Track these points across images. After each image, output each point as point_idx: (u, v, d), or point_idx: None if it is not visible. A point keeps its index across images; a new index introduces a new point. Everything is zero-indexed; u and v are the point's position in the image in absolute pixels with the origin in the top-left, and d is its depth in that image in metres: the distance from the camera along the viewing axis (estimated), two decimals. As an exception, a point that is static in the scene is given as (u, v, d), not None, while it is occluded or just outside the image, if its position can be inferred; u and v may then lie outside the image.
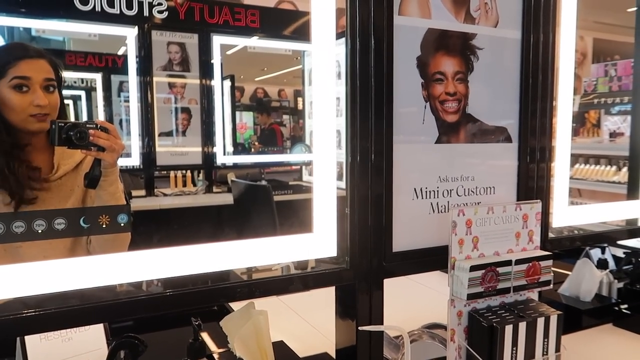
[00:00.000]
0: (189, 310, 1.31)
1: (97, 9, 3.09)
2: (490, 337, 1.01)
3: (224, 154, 3.77)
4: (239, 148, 4.90)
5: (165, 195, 3.39)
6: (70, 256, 1.11)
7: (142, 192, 3.37)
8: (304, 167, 4.31)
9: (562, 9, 1.29)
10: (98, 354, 0.98)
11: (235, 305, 1.19)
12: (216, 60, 3.65)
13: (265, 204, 2.60)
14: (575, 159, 4.36)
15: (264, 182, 3.53)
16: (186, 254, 0.88)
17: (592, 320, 1.51)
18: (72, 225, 0.77)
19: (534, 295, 1.16)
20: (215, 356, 1.04)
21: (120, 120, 3.79)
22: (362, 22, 1.02)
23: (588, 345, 1.35)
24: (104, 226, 0.79)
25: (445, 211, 1.16)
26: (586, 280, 1.58)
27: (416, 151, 1.12)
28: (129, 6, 3.18)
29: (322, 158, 1.01)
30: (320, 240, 1.00)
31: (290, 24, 3.87)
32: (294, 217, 2.71)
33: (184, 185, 3.58)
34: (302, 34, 3.82)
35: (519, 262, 1.07)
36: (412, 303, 1.52)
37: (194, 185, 3.64)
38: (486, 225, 1.08)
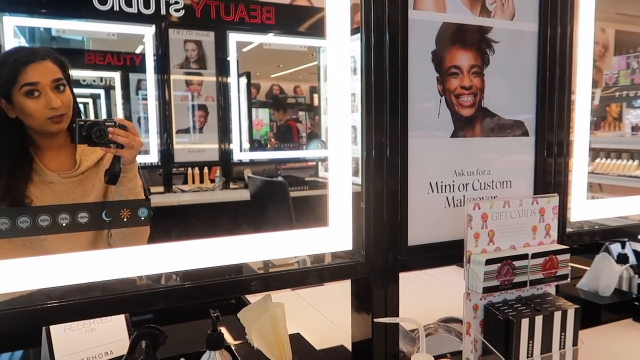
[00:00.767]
0: (206, 303, 1.33)
1: (115, 9, 3.14)
2: (507, 331, 1.01)
3: (241, 151, 3.80)
4: (255, 145, 4.94)
5: (183, 191, 3.44)
6: (92, 249, 1.14)
7: (161, 189, 3.42)
8: (319, 164, 4.32)
9: (580, 1, 1.28)
10: (120, 345, 1.01)
11: (252, 299, 1.21)
12: (232, 57, 3.68)
13: (282, 200, 2.62)
14: (596, 153, 4.29)
15: (280, 178, 3.55)
16: (205, 247, 0.89)
17: (611, 315, 1.49)
18: (95, 218, 0.79)
19: (551, 289, 1.15)
20: (233, 347, 1.06)
21: (139, 118, 3.85)
22: (377, 17, 1.02)
23: (607, 340, 1.34)
24: (125, 220, 0.81)
25: (460, 205, 1.16)
26: (605, 274, 1.56)
27: (432, 145, 1.13)
28: (147, 5, 3.22)
29: (338, 153, 1.02)
30: (335, 234, 1.01)
31: (305, 20, 3.87)
32: (310, 212, 2.72)
33: (201, 181, 3.63)
34: (318, 30, 3.83)
35: (535, 255, 1.06)
36: (428, 297, 1.52)
37: (211, 181, 3.68)
38: (502, 219, 1.08)
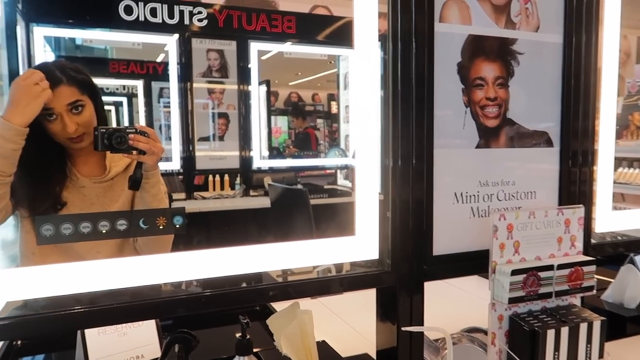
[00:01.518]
0: (231, 309, 1.36)
1: (140, 19, 3.21)
2: (532, 342, 1.01)
3: (260, 158, 3.84)
4: (274, 152, 4.98)
5: (204, 198, 3.48)
6: (119, 252, 1.18)
7: (182, 195, 3.47)
8: (338, 171, 4.34)
9: (605, 9, 1.28)
10: (150, 349, 1.03)
11: (277, 306, 1.23)
12: (253, 65, 3.73)
13: (302, 208, 2.64)
14: (618, 162, 4.23)
15: (300, 186, 3.57)
16: (231, 255, 0.91)
17: (637, 328, 1.48)
18: (133, 226, 0.82)
19: (576, 300, 1.15)
20: (261, 353, 1.08)
21: (160, 126, 3.92)
22: (404, 28, 1.04)
23: (633, 353, 1.33)
24: (161, 227, 0.84)
25: (485, 215, 1.17)
26: (631, 286, 1.55)
27: (457, 156, 1.14)
28: (171, 15, 3.29)
29: (365, 162, 1.03)
30: (362, 243, 1.03)
31: (325, 28, 3.92)
32: (330, 220, 2.74)
33: (222, 188, 3.67)
34: (338, 38, 3.86)
35: (561, 266, 1.07)
36: (449, 307, 1.52)
37: (232, 188, 3.73)
38: (527, 230, 1.08)
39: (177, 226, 0.85)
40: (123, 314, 0.87)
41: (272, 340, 0.95)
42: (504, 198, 1.20)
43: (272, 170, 3.96)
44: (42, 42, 3.10)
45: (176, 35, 3.42)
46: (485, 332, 1.19)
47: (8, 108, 1.00)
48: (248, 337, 0.94)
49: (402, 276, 1.07)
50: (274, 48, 4.07)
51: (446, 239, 1.13)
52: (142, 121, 3.89)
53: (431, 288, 1.12)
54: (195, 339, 0.88)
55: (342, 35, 3.83)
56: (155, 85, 3.89)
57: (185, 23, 3.36)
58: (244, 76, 3.72)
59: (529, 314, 1.07)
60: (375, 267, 1.07)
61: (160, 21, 3.26)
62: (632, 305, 1.54)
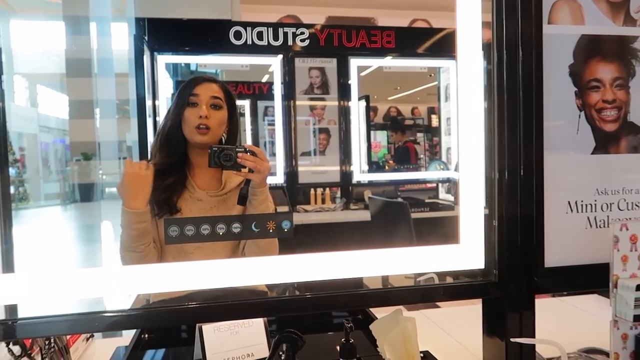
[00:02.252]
0: (333, 316, 1.39)
1: (248, 42, 3.44)
2: (663, 365, 0.92)
3: (360, 172, 3.88)
4: (374, 166, 5.00)
5: (306, 211, 3.59)
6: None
7: (285, 209, 3.61)
8: (440, 185, 4.24)
9: None
10: (259, 348, 1.09)
11: (378, 314, 1.23)
12: (353, 81, 3.81)
13: (403, 221, 2.62)
14: None
15: (400, 200, 3.55)
16: (333, 260, 0.94)
17: None
18: (245, 229, 0.88)
19: None
20: (366, 359, 1.09)
21: (265, 142, 4.13)
22: (509, 34, 1.02)
23: None
24: (270, 231, 0.90)
25: (604, 226, 1.09)
26: None
27: (570, 163, 1.07)
28: (275, 37, 3.48)
29: (469, 174, 1.01)
30: (467, 252, 1.01)
31: (425, 41, 3.89)
32: (431, 234, 2.69)
33: (323, 202, 3.76)
34: (439, 50, 3.82)
35: (697, 284, 0.96)
36: (566, 326, 1.42)
37: (332, 202, 3.80)
38: (655, 242, 0.99)
39: (285, 230, 0.90)
40: (237, 311, 0.94)
41: (373, 348, 0.96)
42: (626, 207, 1.10)
43: (371, 184, 3.99)
44: (164, 69, 3.43)
45: (280, 56, 3.61)
46: (605, 354, 1.10)
47: (128, 198, 1.16)
48: (352, 341, 0.95)
49: (510, 288, 1.03)
50: (373, 63, 4.12)
51: (559, 251, 1.06)
52: (248, 139, 4.13)
53: (544, 305, 1.06)
54: (301, 339, 0.91)
55: (443, 47, 3.78)
56: (261, 104, 4.12)
57: (289, 44, 3.53)
58: (344, 92, 3.81)
59: (658, 335, 0.97)
60: (481, 278, 1.04)
61: (266, 43, 3.46)
62: None
